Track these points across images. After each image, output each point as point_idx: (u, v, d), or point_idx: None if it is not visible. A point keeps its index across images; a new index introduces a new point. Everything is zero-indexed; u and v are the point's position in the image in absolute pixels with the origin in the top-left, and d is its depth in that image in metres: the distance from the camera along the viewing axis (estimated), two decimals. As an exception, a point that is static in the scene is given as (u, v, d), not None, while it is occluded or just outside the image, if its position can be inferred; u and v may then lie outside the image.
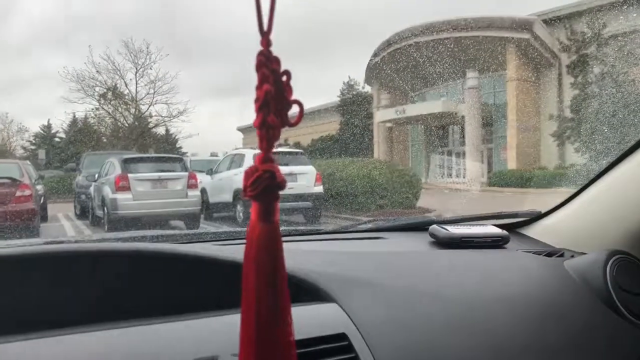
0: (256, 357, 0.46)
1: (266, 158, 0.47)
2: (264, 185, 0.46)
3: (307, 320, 0.84)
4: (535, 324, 1.01)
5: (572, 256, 1.28)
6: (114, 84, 27.39)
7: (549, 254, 1.30)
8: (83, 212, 12.00)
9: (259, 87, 0.45)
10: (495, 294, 1.06)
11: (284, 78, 0.47)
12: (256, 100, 0.45)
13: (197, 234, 1.46)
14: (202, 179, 11.05)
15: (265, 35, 0.46)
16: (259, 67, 0.45)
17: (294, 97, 0.48)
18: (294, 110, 0.48)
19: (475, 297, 1.03)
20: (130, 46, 27.54)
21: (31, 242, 1.23)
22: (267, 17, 0.45)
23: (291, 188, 9.92)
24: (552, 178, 16.17)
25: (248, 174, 0.47)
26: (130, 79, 27.62)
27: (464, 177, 24.20)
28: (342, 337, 0.82)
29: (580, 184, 1.42)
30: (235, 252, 0.93)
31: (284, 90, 0.47)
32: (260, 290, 0.46)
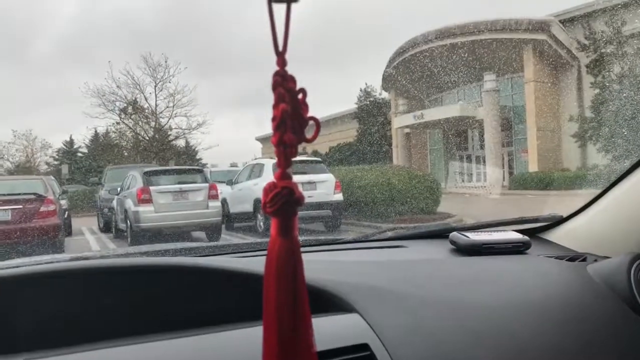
0: (279, 370, 0.47)
1: (284, 175, 0.48)
2: (282, 201, 0.47)
3: (329, 330, 0.85)
4: (559, 329, 1.00)
5: (595, 260, 1.27)
6: (134, 99, 27.82)
7: (572, 259, 1.29)
8: (106, 226, 12.18)
9: (275, 107, 0.46)
10: (518, 301, 1.05)
11: (300, 96, 0.48)
12: (273, 119, 0.47)
13: (219, 246, 1.48)
14: (223, 189, 11.14)
15: (280, 55, 0.47)
16: (275, 86, 0.47)
17: (310, 113, 0.49)
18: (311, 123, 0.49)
19: (498, 304, 1.02)
20: (149, 61, 27.99)
21: (57, 257, 1.25)
22: (282, 38, 0.46)
23: (311, 197, 9.93)
24: (575, 180, 15.95)
25: (267, 190, 0.48)
26: (150, 93, 28.03)
27: (484, 181, 23.99)
28: (364, 347, 0.82)
29: (603, 185, 1.40)
30: (256, 264, 0.94)
31: (300, 108, 0.48)
32: (281, 304, 0.47)
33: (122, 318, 0.89)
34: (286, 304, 0.47)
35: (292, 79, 0.48)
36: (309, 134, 0.49)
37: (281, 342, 0.47)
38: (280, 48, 0.47)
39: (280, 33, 0.46)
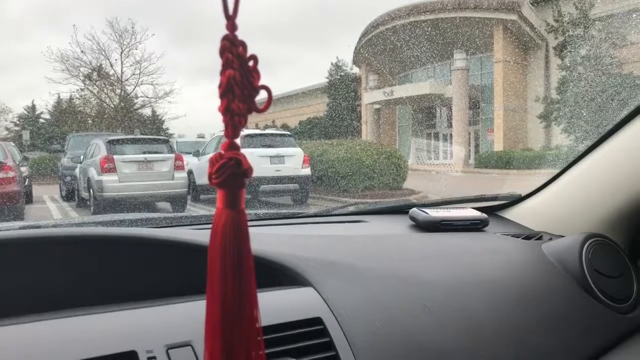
0: (221, 344, 0.46)
1: (232, 145, 0.46)
2: (229, 172, 0.45)
3: (283, 304, 0.84)
4: (512, 305, 1.02)
5: (550, 239, 1.29)
6: (99, 65, 27.00)
7: (527, 237, 1.31)
8: (69, 194, 11.91)
9: (222, 73, 0.44)
10: (473, 277, 1.06)
11: (251, 63, 0.46)
12: (219, 86, 0.45)
13: (178, 217, 1.46)
14: (189, 160, 10.99)
15: (230, 19, 0.45)
16: (223, 51, 0.44)
17: (266, 82, 0.47)
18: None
19: (453, 280, 1.03)
20: (115, 26, 27.24)
21: (6, 225, 1.21)
22: (233, 2, 0.44)
23: (278, 170, 9.90)
24: (537, 159, 16.29)
25: (213, 161, 0.46)
26: (116, 60, 27.24)
27: (450, 159, 24.29)
28: (317, 321, 0.82)
29: (561, 166, 1.42)
30: (206, 236, 0.92)
31: (250, 75, 0.46)
32: (226, 278, 0.45)
33: (69, 289, 0.86)
34: (230, 278, 0.45)
35: (243, 44, 0.46)
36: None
37: (224, 316, 0.45)
38: (231, 11, 0.45)
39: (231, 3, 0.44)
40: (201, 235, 0.94)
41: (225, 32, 0.45)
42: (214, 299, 0.46)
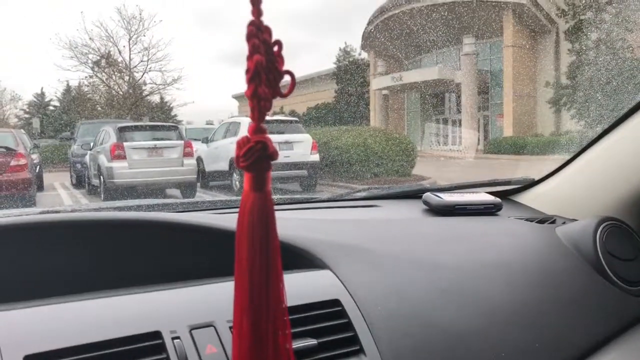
0: (250, 324, 0.47)
1: (258, 129, 0.47)
2: (256, 155, 0.46)
3: (301, 286, 0.85)
4: (526, 289, 1.03)
5: (564, 223, 1.30)
6: (107, 52, 27.02)
7: (541, 221, 1.31)
8: (79, 181, 12.00)
9: (249, 58, 0.45)
10: (487, 260, 1.07)
11: (275, 48, 0.47)
12: (247, 72, 0.46)
13: (193, 202, 1.47)
14: (198, 147, 11.02)
15: (255, 5, 0.46)
16: (250, 37, 0.45)
17: (285, 67, 0.48)
18: (286, 79, 0.49)
19: (467, 264, 1.04)
20: (123, 13, 27.18)
21: (27, 211, 1.23)
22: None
23: (287, 157, 9.90)
24: (548, 145, 16.18)
25: (240, 144, 0.47)
26: (124, 46, 27.26)
27: (459, 145, 24.15)
28: (336, 303, 0.83)
29: (574, 151, 1.42)
30: (232, 221, 0.94)
31: (275, 60, 0.47)
32: (253, 259, 0.47)
33: (93, 272, 0.88)
34: (258, 258, 0.47)
35: (268, 30, 0.47)
36: (285, 90, 0.48)
37: (252, 296, 0.47)
38: (256, -2, 0.45)
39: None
40: (221, 220, 0.95)
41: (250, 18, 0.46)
42: (241, 279, 0.47)
